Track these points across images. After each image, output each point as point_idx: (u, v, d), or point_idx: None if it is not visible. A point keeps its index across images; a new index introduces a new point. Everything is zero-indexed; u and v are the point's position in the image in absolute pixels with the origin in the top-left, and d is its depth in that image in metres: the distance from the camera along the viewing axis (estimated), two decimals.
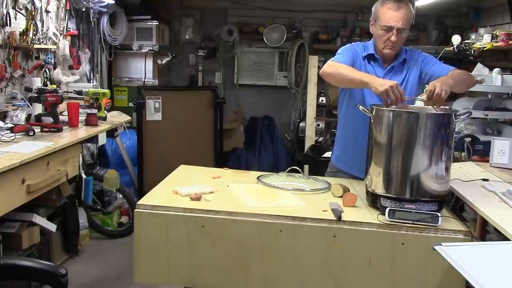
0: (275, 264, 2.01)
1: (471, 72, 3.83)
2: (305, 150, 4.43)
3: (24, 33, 3.69)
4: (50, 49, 4.14)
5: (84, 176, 3.67)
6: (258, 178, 2.47)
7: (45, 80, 4.10)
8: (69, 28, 4.51)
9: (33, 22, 3.80)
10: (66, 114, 3.59)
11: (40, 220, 3.27)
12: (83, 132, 3.51)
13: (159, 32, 5.62)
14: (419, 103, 2.37)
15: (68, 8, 4.43)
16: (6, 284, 2.85)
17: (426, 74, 2.51)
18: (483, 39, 4.24)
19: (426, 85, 2.48)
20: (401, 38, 2.45)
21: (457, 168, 2.66)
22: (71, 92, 4.20)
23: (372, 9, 2.53)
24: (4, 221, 3.03)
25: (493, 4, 4.77)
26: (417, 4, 4.76)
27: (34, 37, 3.79)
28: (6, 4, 3.53)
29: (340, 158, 2.72)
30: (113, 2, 4.98)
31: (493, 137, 3.05)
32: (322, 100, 5.66)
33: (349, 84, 2.43)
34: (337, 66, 2.42)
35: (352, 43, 2.70)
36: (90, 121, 3.67)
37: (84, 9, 4.68)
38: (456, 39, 4.58)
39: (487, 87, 3.55)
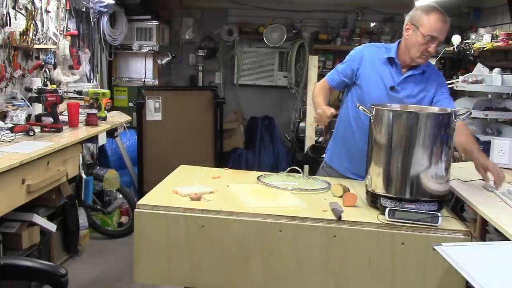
0: (275, 264, 2.01)
1: (471, 72, 3.83)
2: (305, 150, 4.42)
3: (24, 33, 3.69)
4: (50, 49, 4.14)
5: (84, 176, 3.67)
6: (258, 178, 2.47)
7: (45, 80, 4.10)
8: (69, 28, 4.51)
9: (33, 22, 3.80)
10: (66, 114, 3.59)
11: (40, 220, 3.27)
12: (83, 132, 3.51)
13: (159, 32, 5.62)
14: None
15: (68, 8, 4.44)
16: (6, 284, 2.85)
17: (435, 102, 2.49)
18: (483, 39, 4.24)
19: None
20: (435, 51, 2.43)
21: (457, 168, 2.67)
22: (71, 92, 4.20)
23: (412, 13, 2.45)
24: (4, 221, 3.02)
25: (493, 4, 4.77)
26: (417, 4, 4.77)
27: (34, 37, 3.79)
28: (6, 4, 3.53)
29: (332, 156, 2.77)
30: (113, 2, 4.98)
31: (493, 137, 3.05)
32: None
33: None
34: (316, 92, 2.67)
35: (368, 44, 2.68)
36: (90, 121, 3.67)
37: (84, 9, 4.69)
38: (456, 39, 4.58)
39: (487, 87, 3.54)
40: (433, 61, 4.90)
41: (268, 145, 5.93)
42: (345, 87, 2.68)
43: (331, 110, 2.35)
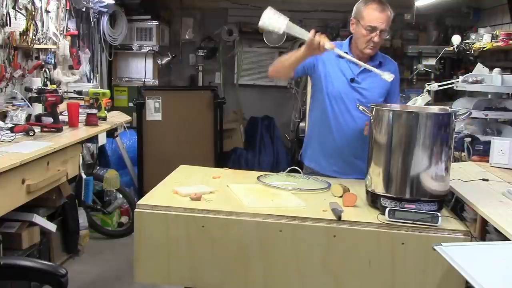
0: (275, 264, 2.01)
1: (471, 72, 3.83)
2: None
3: (24, 33, 3.69)
4: (50, 49, 4.14)
5: (84, 176, 3.67)
6: (258, 178, 2.47)
7: (45, 80, 4.10)
8: (69, 28, 4.51)
9: (33, 22, 3.80)
10: (66, 114, 3.59)
11: (40, 220, 3.27)
12: (83, 132, 3.50)
13: (159, 32, 5.62)
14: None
15: (68, 8, 4.44)
16: (6, 284, 2.85)
17: (388, 91, 2.59)
18: (483, 39, 4.24)
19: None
20: (381, 39, 2.50)
21: (457, 168, 2.67)
22: (71, 92, 4.20)
23: (354, 8, 2.57)
24: (4, 221, 3.02)
25: (493, 4, 4.77)
26: (417, 4, 4.77)
27: (34, 37, 3.79)
28: (6, 4, 3.53)
29: (310, 158, 2.73)
30: (113, 2, 4.98)
31: (493, 137, 3.05)
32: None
33: (293, 64, 2.50)
34: (277, 59, 2.61)
35: None
36: (90, 121, 3.67)
37: (84, 9, 4.68)
38: (456, 39, 4.58)
39: (487, 87, 3.54)
40: (433, 61, 4.91)
41: (268, 145, 5.92)
42: (302, 75, 2.76)
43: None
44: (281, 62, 2.59)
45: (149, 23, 5.56)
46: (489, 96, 3.58)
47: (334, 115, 2.56)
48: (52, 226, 3.40)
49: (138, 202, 2.11)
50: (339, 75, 2.57)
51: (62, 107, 3.62)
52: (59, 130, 3.35)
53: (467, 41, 4.55)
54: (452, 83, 3.72)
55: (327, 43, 2.26)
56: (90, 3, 4.64)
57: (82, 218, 3.94)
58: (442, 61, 5.04)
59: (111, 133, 4.08)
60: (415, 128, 1.98)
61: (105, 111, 3.93)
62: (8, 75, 3.60)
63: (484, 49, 4.15)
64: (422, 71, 4.99)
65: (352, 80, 2.56)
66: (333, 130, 2.57)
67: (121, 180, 4.42)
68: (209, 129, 5.29)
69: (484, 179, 2.46)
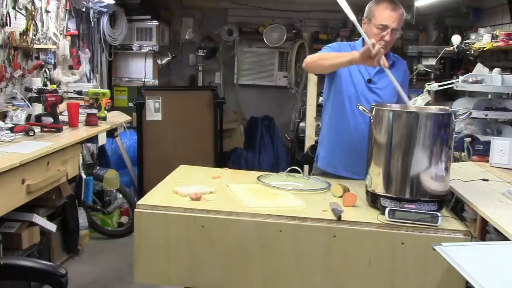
0: (275, 264, 2.01)
1: (471, 72, 3.83)
2: (305, 150, 4.43)
3: (24, 33, 3.70)
4: (50, 49, 4.14)
5: (84, 176, 3.67)
6: (258, 178, 2.47)
7: (45, 80, 4.10)
8: (69, 28, 4.51)
9: (33, 22, 3.80)
10: (66, 114, 3.59)
11: (40, 220, 3.27)
12: (83, 132, 3.51)
13: (159, 32, 5.62)
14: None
15: (68, 8, 4.44)
16: (6, 284, 2.85)
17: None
18: (483, 39, 4.24)
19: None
20: (393, 39, 2.50)
21: (457, 168, 2.67)
22: (71, 92, 4.20)
23: (366, 8, 2.57)
24: (4, 221, 3.03)
25: (493, 4, 4.77)
26: (417, 4, 4.77)
27: (34, 37, 3.80)
28: (6, 4, 3.53)
29: (324, 160, 2.72)
30: (113, 2, 4.98)
31: (493, 137, 3.04)
32: (322, 100, 5.65)
33: (336, 66, 2.46)
34: (320, 54, 2.53)
35: (338, 42, 2.72)
36: (90, 121, 3.67)
37: (84, 9, 4.69)
38: (456, 39, 4.58)
39: (487, 87, 3.54)
40: (433, 61, 4.91)
41: (268, 145, 5.92)
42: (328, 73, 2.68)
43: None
44: (324, 59, 2.48)
45: (149, 23, 5.56)
46: (489, 96, 3.58)
47: (353, 115, 2.56)
48: (52, 226, 3.40)
49: (138, 202, 2.11)
50: (359, 77, 2.58)
51: (62, 107, 3.62)
52: (59, 130, 3.35)
53: (467, 41, 4.55)
54: (452, 83, 3.72)
55: (383, 59, 2.21)
56: (90, 3, 4.64)
57: (82, 218, 3.94)
58: (442, 61, 5.04)
59: (111, 133, 4.08)
60: (415, 128, 1.98)
61: (105, 111, 3.93)
62: (8, 75, 3.61)
63: (484, 49, 4.15)
64: (422, 71, 4.99)
65: (370, 80, 2.58)
66: (352, 129, 2.58)
67: (121, 180, 4.43)
68: (209, 129, 5.29)
69: (484, 179, 2.46)
